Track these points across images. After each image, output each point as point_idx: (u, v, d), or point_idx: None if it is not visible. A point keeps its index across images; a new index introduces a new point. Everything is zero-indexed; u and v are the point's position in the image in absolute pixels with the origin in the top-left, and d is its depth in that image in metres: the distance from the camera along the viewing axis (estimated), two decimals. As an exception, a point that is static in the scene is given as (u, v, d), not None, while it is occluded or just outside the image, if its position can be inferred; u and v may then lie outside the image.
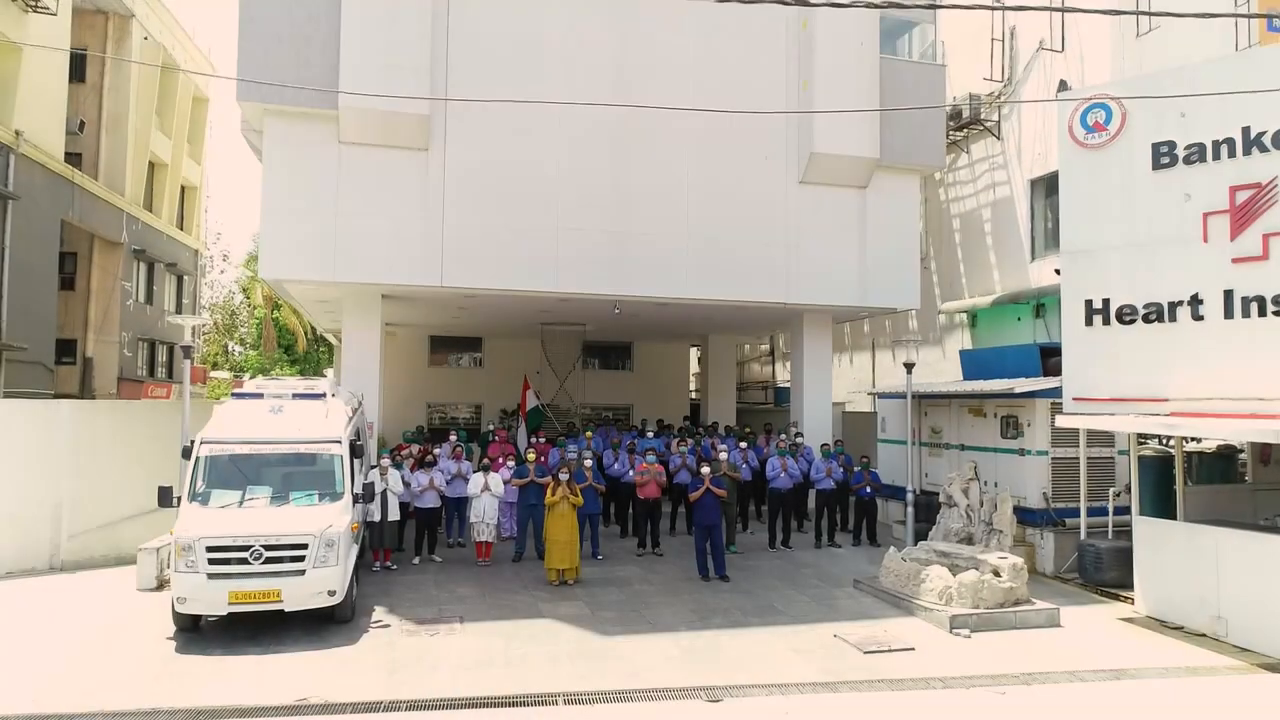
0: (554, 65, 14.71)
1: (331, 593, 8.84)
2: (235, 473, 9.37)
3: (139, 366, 27.57)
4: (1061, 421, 10.94)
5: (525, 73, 14.53)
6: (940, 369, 19.66)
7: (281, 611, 8.72)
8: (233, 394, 10.35)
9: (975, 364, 15.18)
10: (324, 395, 10.34)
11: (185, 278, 31.44)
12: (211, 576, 8.51)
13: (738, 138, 15.63)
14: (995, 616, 9.57)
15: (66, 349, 24.99)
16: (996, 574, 9.92)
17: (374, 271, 14.14)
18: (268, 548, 8.64)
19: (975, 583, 9.71)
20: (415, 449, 14.45)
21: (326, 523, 8.97)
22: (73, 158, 23.68)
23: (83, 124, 23.03)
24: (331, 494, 9.45)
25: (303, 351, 40.65)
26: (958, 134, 19.35)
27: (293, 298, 16.94)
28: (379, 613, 9.82)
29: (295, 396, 10.22)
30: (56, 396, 19.64)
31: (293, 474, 9.55)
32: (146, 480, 10.88)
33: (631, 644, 8.92)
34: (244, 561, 8.58)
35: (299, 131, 13.77)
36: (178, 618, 8.77)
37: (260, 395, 10.20)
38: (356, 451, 10.07)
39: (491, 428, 17.50)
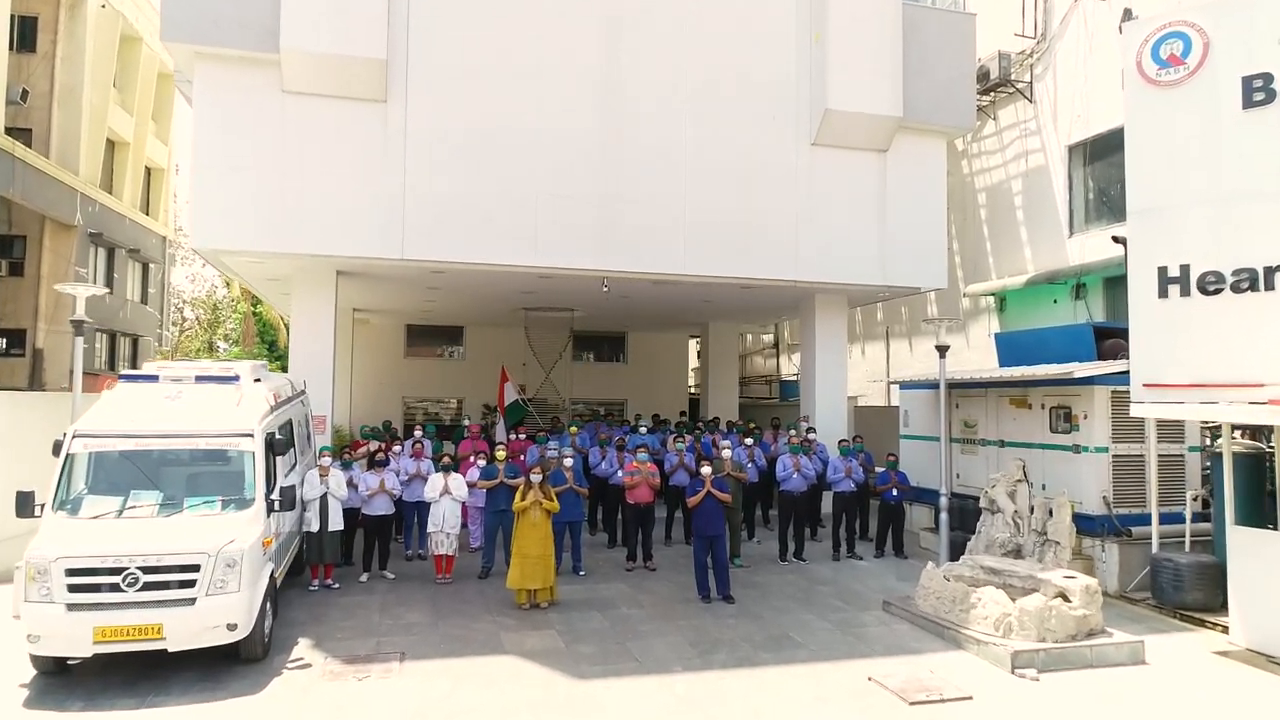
0: (535, 5, 12.83)
1: (232, 626, 6.96)
2: (118, 474, 7.49)
3: (97, 358, 25.68)
4: (1139, 411, 9.06)
5: (501, 12, 12.67)
6: (964, 358, 17.79)
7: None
8: (121, 376, 8.47)
9: (1014, 348, 13.28)
10: (236, 379, 8.44)
11: (152, 265, 29.57)
12: (72, 608, 6.63)
13: (742, 93, 13.77)
14: (1067, 653, 7.70)
15: (15, 340, 23.20)
16: (1064, 598, 8.05)
17: (324, 242, 12.24)
18: (147, 570, 6.76)
19: (1040, 610, 7.83)
20: (373, 446, 12.53)
21: (227, 537, 7.09)
22: (22, 133, 21.88)
23: (25, 92, 21.12)
24: (239, 500, 7.57)
25: (285, 347, 38.90)
26: (984, 98, 17.45)
27: (235, 273, 15.04)
28: (302, 647, 7.94)
29: (199, 380, 8.31)
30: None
31: (191, 475, 7.68)
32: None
33: (613, 689, 7.06)
34: (115, 588, 6.70)
35: (235, 78, 11.90)
36: (35, 659, 6.91)
37: (155, 378, 8.30)
38: (277, 448, 8.18)
39: (466, 423, 15.60)
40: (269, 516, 7.75)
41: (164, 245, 30.76)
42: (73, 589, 6.65)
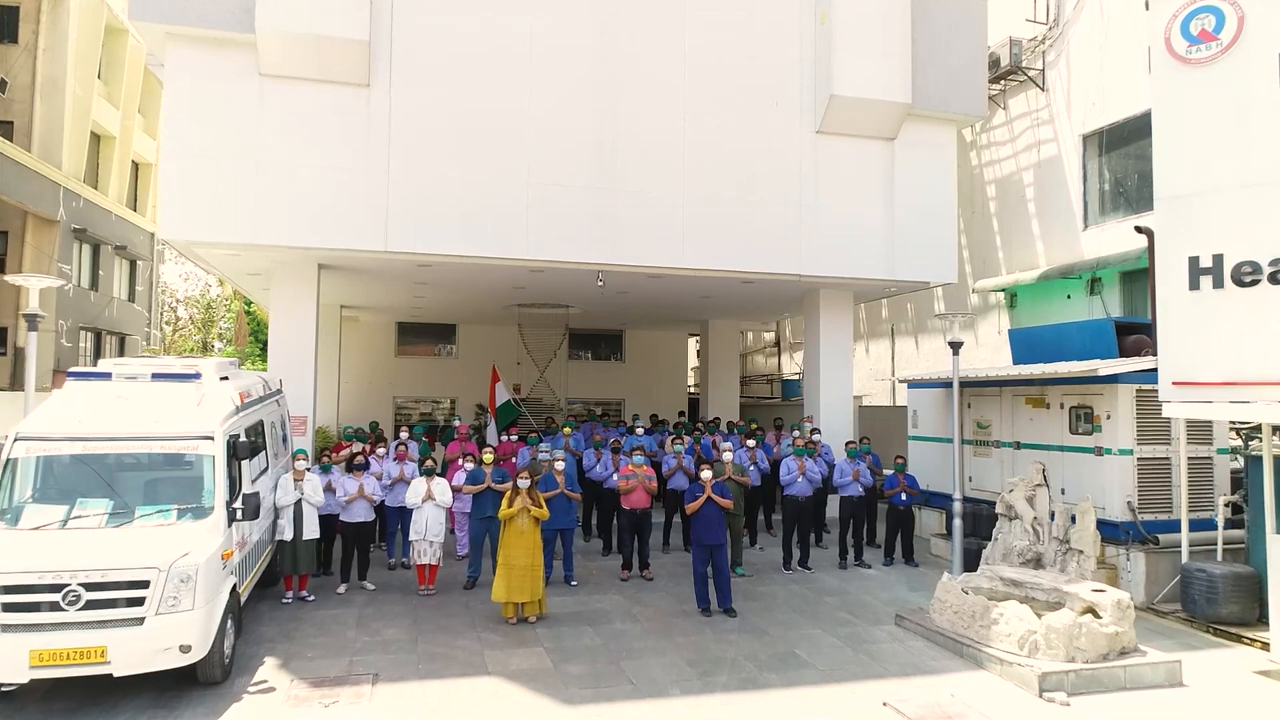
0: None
1: (185, 648, 6.32)
2: (64, 480, 6.88)
3: (81, 357, 25.04)
4: (1170, 411, 8.42)
5: (487, -8, 12.07)
6: (973, 356, 17.17)
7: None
8: (69, 374, 7.84)
9: (1030, 344, 12.67)
10: (196, 377, 7.81)
11: (140, 263, 28.92)
12: (6, 629, 5.99)
13: (744, 77, 13.15)
14: (1099, 674, 7.08)
15: (-4, 337, 22.58)
16: (1094, 613, 7.44)
17: (303, 233, 11.62)
18: (90, 586, 6.13)
19: (1069, 627, 7.21)
20: (355, 448, 11.90)
21: (181, 550, 6.46)
22: (2, 126, 21.32)
23: (4, 83, 20.50)
24: (196, 509, 6.95)
25: (278, 346, 38.27)
26: (994, 87, 16.83)
27: (212, 267, 14.41)
28: (268, 668, 7.32)
29: (156, 378, 7.69)
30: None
31: (146, 482, 7.06)
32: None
33: (603, 716, 6.44)
34: (55, 607, 6.07)
35: (209, 60, 11.27)
36: (-32, 685, 6.30)
37: (107, 376, 7.68)
38: (240, 451, 7.55)
39: (456, 423, 14.97)
40: (230, 526, 7.13)
41: (152, 242, 30.10)
42: (7, 608, 6.01)
